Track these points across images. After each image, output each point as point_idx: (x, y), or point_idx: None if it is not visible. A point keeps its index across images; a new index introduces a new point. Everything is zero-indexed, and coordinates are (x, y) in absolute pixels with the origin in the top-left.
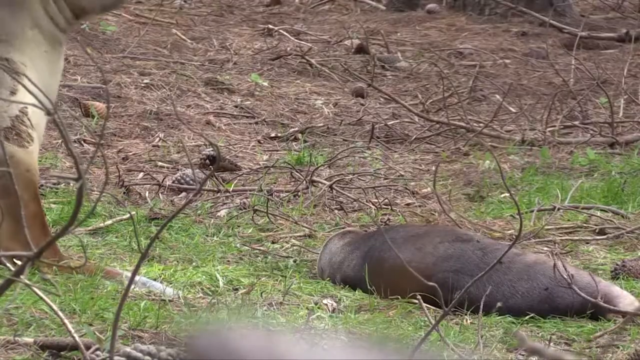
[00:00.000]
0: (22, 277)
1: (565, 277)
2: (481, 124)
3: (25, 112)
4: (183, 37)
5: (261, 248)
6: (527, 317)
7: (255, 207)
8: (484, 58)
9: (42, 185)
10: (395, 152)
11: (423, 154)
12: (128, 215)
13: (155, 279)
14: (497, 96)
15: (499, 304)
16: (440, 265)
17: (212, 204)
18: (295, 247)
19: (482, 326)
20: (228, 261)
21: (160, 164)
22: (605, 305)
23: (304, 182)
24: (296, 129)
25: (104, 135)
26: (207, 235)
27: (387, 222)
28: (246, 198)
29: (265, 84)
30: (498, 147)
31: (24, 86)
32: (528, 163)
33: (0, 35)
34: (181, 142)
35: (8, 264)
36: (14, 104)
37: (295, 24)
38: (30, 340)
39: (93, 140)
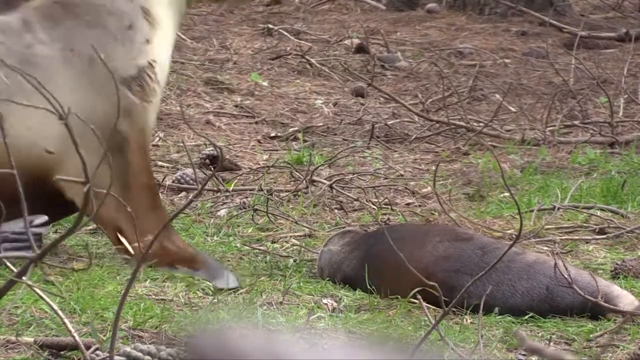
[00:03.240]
0: (24, 277)
1: (566, 276)
2: (481, 124)
3: (154, 64)
4: (183, 36)
5: (261, 248)
6: (527, 317)
7: (255, 207)
8: (484, 57)
9: None
10: (395, 151)
11: (423, 153)
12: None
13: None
14: (497, 96)
15: (497, 309)
16: (440, 265)
17: (212, 204)
18: (295, 247)
19: (482, 326)
20: (228, 261)
21: (160, 163)
22: (605, 304)
23: (304, 181)
24: (296, 128)
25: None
26: (207, 235)
27: (387, 221)
28: (246, 198)
29: (265, 83)
30: (498, 146)
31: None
32: (528, 162)
33: None
34: (182, 142)
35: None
36: (147, 51)
37: (295, 24)
38: (30, 339)
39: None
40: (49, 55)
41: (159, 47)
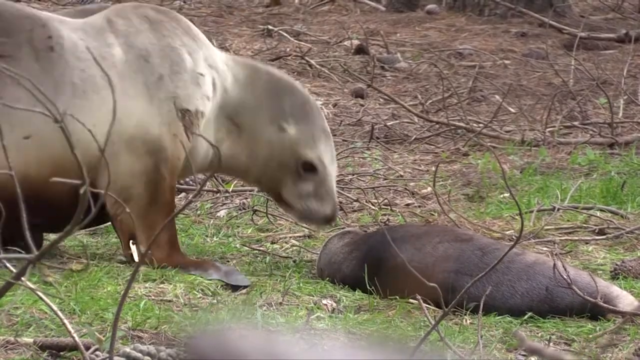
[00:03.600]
0: (23, 278)
1: (565, 277)
2: (481, 125)
3: (206, 104)
4: None
5: (261, 248)
6: (526, 317)
7: (255, 208)
8: (484, 58)
9: None
10: (395, 152)
11: (423, 154)
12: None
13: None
14: (497, 96)
15: (495, 313)
16: (439, 265)
17: (212, 205)
18: (294, 248)
19: (481, 326)
20: (228, 261)
21: None
22: (605, 305)
23: None
24: None
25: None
26: (206, 236)
27: (387, 222)
28: (246, 198)
29: None
30: (498, 147)
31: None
32: (527, 163)
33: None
34: (181, 143)
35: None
36: (204, 104)
37: (294, 25)
38: (30, 340)
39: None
40: (125, 59)
41: (210, 115)
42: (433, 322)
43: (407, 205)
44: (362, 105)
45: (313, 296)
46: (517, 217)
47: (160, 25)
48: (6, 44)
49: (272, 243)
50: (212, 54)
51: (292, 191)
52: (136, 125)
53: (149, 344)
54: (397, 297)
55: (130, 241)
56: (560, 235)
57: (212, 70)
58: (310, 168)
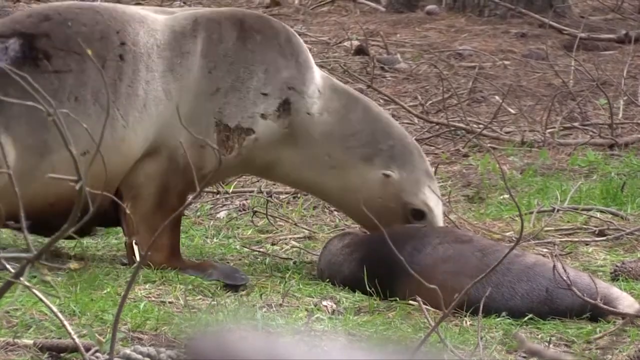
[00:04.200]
0: (21, 278)
1: (565, 278)
2: (481, 125)
3: (252, 139)
4: None
5: (261, 250)
6: (526, 319)
7: (255, 209)
8: (484, 59)
9: None
10: None
11: None
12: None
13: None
14: (497, 97)
15: (495, 314)
16: (439, 267)
17: (212, 206)
18: (294, 249)
19: (481, 328)
20: (228, 262)
21: None
22: (605, 306)
23: None
24: None
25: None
26: (206, 237)
27: None
28: (245, 200)
29: None
30: (498, 148)
31: (30, 89)
32: (527, 164)
33: None
34: (180, 144)
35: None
36: (257, 125)
37: (294, 26)
38: (29, 342)
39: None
40: (194, 70)
41: (265, 134)
42: (433, 324)
43: None
44: None
45: (313, 297)
46: (517, 218)
47: (249, 35)
48: (65, 57)
49: (272, 244)
50: (302, 76)
51: None
52: (167, 129)
53: (149, 346)
54: (397, 298)
55: (134, 241)
56: (560, 236)
57: (290, 92)
58: (418, 214)
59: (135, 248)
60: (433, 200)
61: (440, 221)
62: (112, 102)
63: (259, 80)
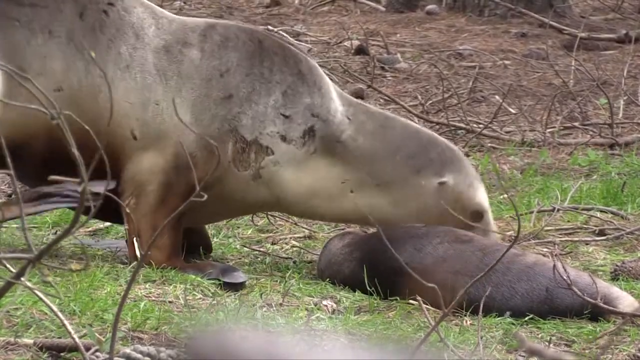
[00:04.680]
0: (22, 278)
1: (565, 278)
2: (481, 125)
3: (271, 157)
4: None
5: (261, 249)
6: (526, 318)
7: None
8: (484, 59)
9: None
10: None
11: None
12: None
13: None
14: (497, 97)
15: (496, 313)
16: (439, 266)
17: None
18: (295, 249)
19: (481, 327)
20: (228, 262)
21: None
22: (605, 306)
23: None
24: None
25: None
26: None
27: None
28: None
29: None
30: (498, 148)
31: (29, 89)
32: (528, 164)
33: None
34: (180, 143)
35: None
36: (273, 143)
37: (294, 25)
38: (30, 341)
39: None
40: (198, 64)
41: (287, 159)
42: (433, 323)
43: None
44: None
45: (313, 297)
46: (517, 217)
47: (266, 54)
48: None
49: (273, 244)
50: (326, 105)
51: None
52: (175, 127)
53: (149, 345)
54: (397, 298)
55: (135, 238)
56: (560, 236)
57: (315, 120)
58: (477, 216)
59: (136, 244)
60: (487, 201)
61: (492, 222)
62: (87, 44)
63: (276, 100)
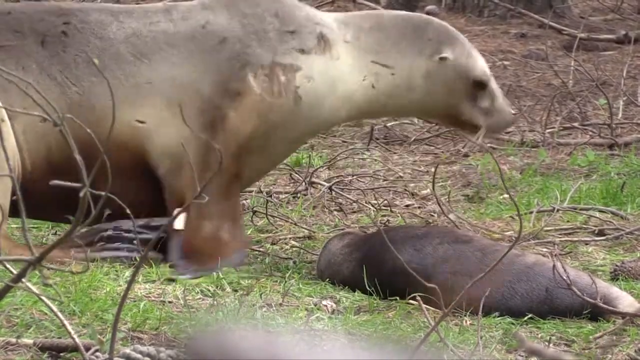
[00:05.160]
0: (23, 280)
1: (565, 278)
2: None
3: (299, 74)
4: None
5: (261, 249)
6: (526, 318)
7: (255, 209)
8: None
9: None
10: (395, 153)
11: (422, 155)
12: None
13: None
14: None
15: (495, 314)
16: (439, 267)
17: None
18: (294, 249)
19: (481, 327)
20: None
21: None
22: (605, 306)
23: (303, 183)
24: None
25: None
26: None
27: (387, 223)
28: (245, 199)
29: None
30: (497, 148)
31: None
32: (527, 164)
33: None
34: (181, 143)
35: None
36: (296, 57)
37: None
38: (30, 341)
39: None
40: (174, 31)
41: (317, 70)
42: (433, 323)
43: (407, 206)
44: None
45: (313, 297)
46: (517, 217)
47: (238, 1)
48: (7, 34)
49: (272, 244)
50: (319, 14)
51: (475, 112)
52: (185, 90)
53: (149, 345)
54: (397, 297)
55: (177, 210)
56: (560, 236)
57: (319, 26)
58: (480, 85)
59: (180, 219)
60: (486, 66)
61: (495, 83)
62: (59, 71)
63: (273, 23)
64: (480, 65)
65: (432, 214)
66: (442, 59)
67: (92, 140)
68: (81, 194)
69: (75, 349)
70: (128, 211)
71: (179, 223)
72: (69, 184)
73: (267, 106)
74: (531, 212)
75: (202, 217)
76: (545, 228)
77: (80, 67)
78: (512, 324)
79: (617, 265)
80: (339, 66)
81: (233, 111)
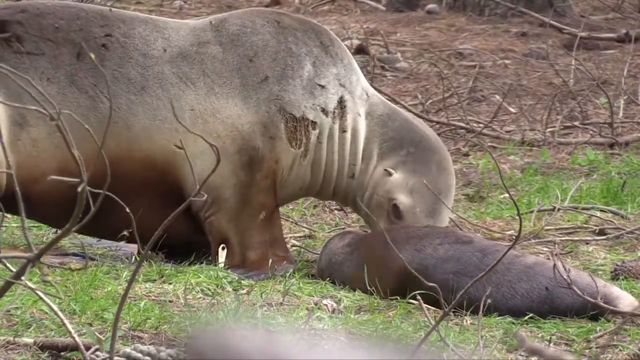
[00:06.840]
0: (22, 278)
1: (565, 277)
2: (481, 125)
3: (318, 130)
4: None
5: None
6: (526, 318)
7: None
8: (484, 58)
9: None
10: None
11: None
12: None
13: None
14: (497, 96)
15: (495, 314)
16: (440, 267)
17: None
18: (295, 248)
19: (482, 327)
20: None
21: None
22: (605, 305)
23: None
24: None
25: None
26: None
27: None
28: None
29: None
30: (498, 147)
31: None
32: (528, 163)
33: None
34: (180, 143)
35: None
36: (320, 116)
37: None
38: (30, 340)
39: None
40: (222, 58)
41: (324, 133)
42: (433, 323)
43: None
44: None
45: (313, 296)
46: (517, 217)
47: (288, 31)
48: (39, 42)
49: None
50: (349, 76)
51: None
52: (225, 125)
53: (149, 344)
54: (398, 297)
55: (221, 246)
56: (560, 235)
57: (343, 90)
58: (397, 214)
59: (222, 254)
60: (425, 211)
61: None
62: (92, 85)
63: (309, 71)
64: (414, 202)
65: None
66: (387, 171)
67: (119, 157)
68: (79, 189)
69: (75, 348)
70: (128, 211)
71: (221, 257)
72: (67, 179)
73: (291, 156)
74: (532, 212)
75: (247, 249)
76: (546, 227)
77: (121, 82)
78: (513, 323)
79: (617, 265)
80: (343, 137)
81: (268, 153)
